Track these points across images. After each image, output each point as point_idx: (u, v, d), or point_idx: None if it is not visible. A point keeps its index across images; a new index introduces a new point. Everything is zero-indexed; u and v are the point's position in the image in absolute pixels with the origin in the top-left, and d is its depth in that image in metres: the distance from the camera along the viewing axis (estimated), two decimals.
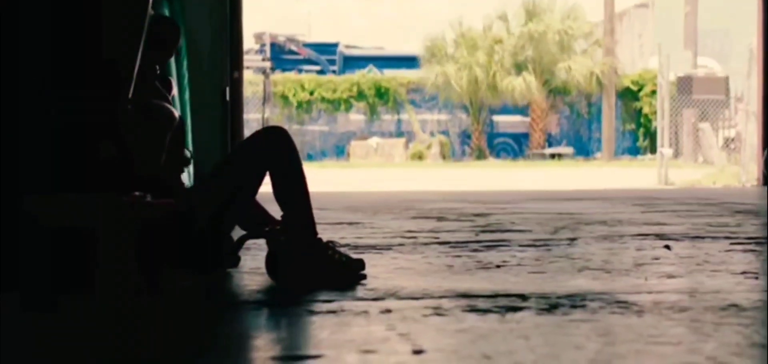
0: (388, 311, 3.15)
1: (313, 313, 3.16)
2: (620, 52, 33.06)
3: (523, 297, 3.40)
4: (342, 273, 3.83)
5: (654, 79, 26.40)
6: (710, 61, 30.48)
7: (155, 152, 3.62)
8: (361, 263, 3.94)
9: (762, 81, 12.50)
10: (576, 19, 30.81)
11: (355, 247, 5.17)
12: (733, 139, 23.19)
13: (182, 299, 3.52)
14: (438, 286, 3.69)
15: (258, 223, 3.95)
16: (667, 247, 5.05)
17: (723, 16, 32.15)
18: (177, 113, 3.77)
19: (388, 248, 5.14)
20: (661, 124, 16.98)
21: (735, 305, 3.23)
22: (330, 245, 3.90)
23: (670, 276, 3.99)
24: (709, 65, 29.82)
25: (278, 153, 3.81)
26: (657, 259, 4.57)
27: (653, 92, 27.25)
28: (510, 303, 3.29)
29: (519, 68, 30.77)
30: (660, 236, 5.67)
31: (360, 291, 3.59)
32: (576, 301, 3.32)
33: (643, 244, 5.28)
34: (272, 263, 3.83)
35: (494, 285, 3.72)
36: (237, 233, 4.01)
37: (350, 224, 6.86)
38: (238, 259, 3.96)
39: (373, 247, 5.20)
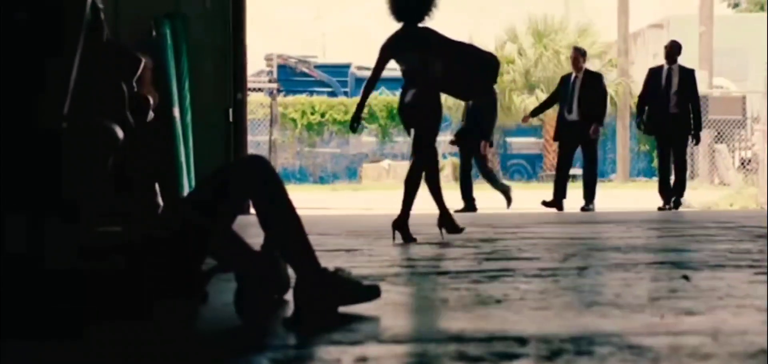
0: (364, 359, 2.72)
1: (276, 362, 2.74)
2: (635, 73, 32.60)
3: (522, 341, 2.97)
4: (356, 291, 3.56)
5: None
6: (726, 81, 29.99)
7: (89, 175, 3.22)
8: (375, 290, 3.66)
9: None
10: (589, 37, 30.38)
11: None
12: (749, 161, 22.71)
13: (140, 340, 3.11)
14: (427, 326, 3.28)
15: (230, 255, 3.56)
16: (686, 277, 4.62)
17: (739, 35, 31.69)
18: (121, 134, 3.37)
19: (382, 279, 4.72)
20: None
21: (765, 351, 2.80)
22: (338, 271, 3.62)
23: (689, 313, 3.56)
24: (725, 85, 29.33)
25: (257, 185, 3.47)
26: (674, 291, 4.14)
27: None
28: (506, 348, 2.86)
29: (531, 88, 30.37)
30: (677, 265, 5.24)
31: (337, 333, 3.16)
32: (582, 345, 2.90)
33: (659, 273, 4.86)
34: (240, 300, 3.44)
35: (491, 325, 3.30)
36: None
37: (348, 251, 6.45)
38: (206, 294, 3.56)
39: (366, 278, 4.78)
